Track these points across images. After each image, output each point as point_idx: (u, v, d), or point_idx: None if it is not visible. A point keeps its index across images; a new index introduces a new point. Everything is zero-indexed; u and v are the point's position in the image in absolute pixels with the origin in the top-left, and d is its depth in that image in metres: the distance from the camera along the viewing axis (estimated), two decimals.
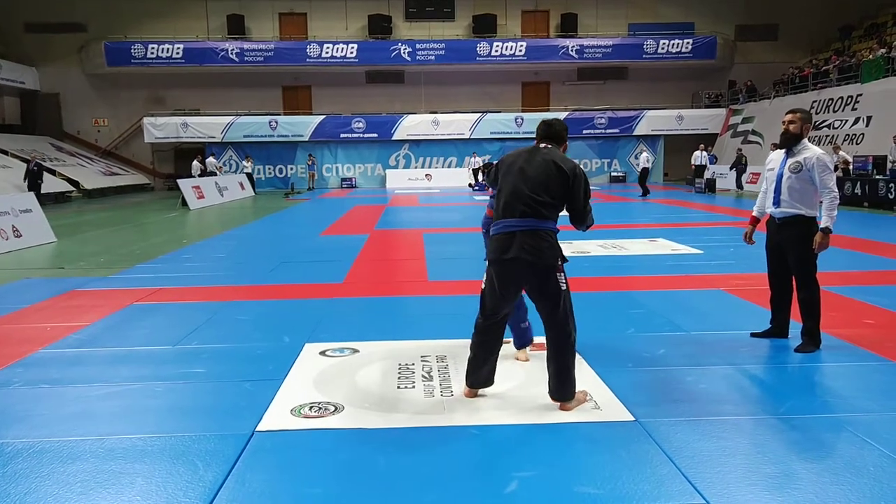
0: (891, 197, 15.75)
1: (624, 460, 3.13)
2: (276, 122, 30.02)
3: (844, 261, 8.31)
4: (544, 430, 3.47)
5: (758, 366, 4.52)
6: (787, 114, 4.89)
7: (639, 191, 21.26)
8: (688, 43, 31.02)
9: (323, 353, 4.89)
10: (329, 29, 31.22)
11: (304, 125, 30.22)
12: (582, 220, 3.77)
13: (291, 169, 30.62)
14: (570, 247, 10.17)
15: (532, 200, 3.62)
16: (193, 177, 22.84)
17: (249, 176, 27.00)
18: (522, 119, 30.65)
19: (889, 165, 16.75)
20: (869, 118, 21.01)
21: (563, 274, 3.68)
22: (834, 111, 22.83)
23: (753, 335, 5.11)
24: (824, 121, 22.88)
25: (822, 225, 4.66)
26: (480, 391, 3.98)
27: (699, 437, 3.35)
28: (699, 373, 4.31)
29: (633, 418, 3.59)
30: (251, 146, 29.67)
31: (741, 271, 7.71)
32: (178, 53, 29.82)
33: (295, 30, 31.50)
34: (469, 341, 3.94)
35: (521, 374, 4.37)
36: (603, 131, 30.91)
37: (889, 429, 3.41)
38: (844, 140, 21.30)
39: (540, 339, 4.85)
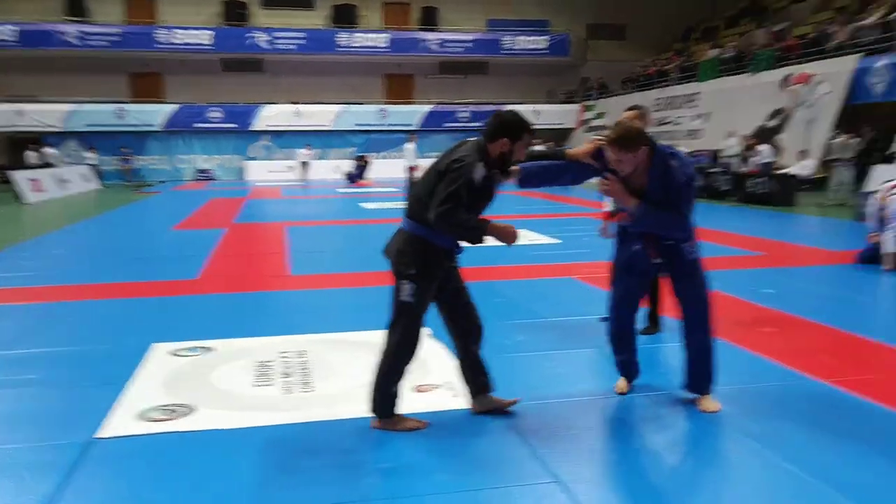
0: (724, 189, 17.05)
1: (482, 446, 3.18)
2: (124, 111, 28.21)
3: None
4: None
5: (607, 348, 4.73)
6: (624, 111, 5.05)
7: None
8: (543, 40, 32.14)
9: (174, 352, 4.63)
10: (180, 14, 29.66)
11: (155, 114, 28.60)
12: (433, 209, 3.08)
13: (142, 160, 28.93)
14: None
15: (416, 197, 3.24)
16: (29, 168, 21.05)
17: (94, 167, 25.24)
18: (386, 111, 30.60)
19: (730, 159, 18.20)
20: (707, 115, 22.69)
21: (412, 285, 3.19)
22: (676, 108, 24.44)
23: (603, 319, 5.34)
24: (667, 117, 24.45)
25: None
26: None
27: (553, 418, 3.46)
28: (555, 357, 4.47)
29: None
30: (96, 136, 27.65)
31: (593, 259, 8.08)
32: (11, 35, 27.28)
33: (142, 13, 29.64)
34: (332, 335, 3.78)
35: None
36: (466, 125, 31.36)
37: (720, 401, 3.67)
38: (686, 135, 22.88)
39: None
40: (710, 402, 3.57)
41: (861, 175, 15.59)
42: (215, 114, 29.09)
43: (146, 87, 30.28)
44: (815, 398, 3.69)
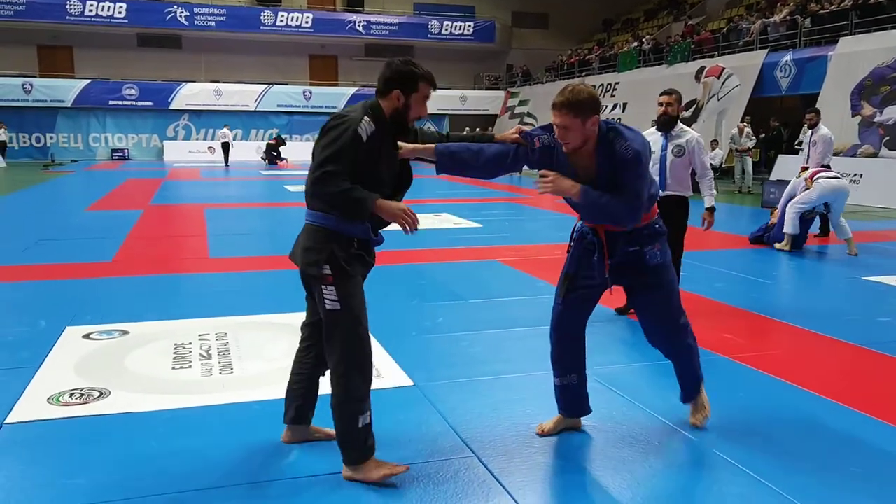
0: None
1: (403, 423, 3.25)
2: (32, 86, 26.84)
3: None
4: (326, 400, 3.49)
5: (524, 329, 4.87)
6: (661, 95, 4.94)
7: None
8: (469, 25, 32.30)
9: (87, 336, 4.51)
10: None
11: (65, 90, 27.33)
12: (309, 175, 2.58)
13: (51, 138, 27.63)
14: None
15: (307, 180, 2.66)
16: None
17: (1, 144, 23.96)
18: (311, 93, 30.17)
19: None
20: (625, 104, 23.31)
21: (332, 287, 2.58)
22: None
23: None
24: None
25: (708, 204, 5.03)
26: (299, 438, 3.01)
27: (470, 395, 3.57)
28: (472, 337, 4.58)
29: (412, 383, 3.73)
30: (1, 112, 26.25)
31: (515, 243, 8.25)
32: None
33: None
34: (253, 317, 3.67)
35: None
36: None
37: (639, 377, 3.85)
38: None
39: None
40: (699, 414, 3.17)
41: (768, 164, 16.40)
42: (130, 91, 28.03)
43: (55, 60, 28.87)
44: (724, 373, 3.91)
